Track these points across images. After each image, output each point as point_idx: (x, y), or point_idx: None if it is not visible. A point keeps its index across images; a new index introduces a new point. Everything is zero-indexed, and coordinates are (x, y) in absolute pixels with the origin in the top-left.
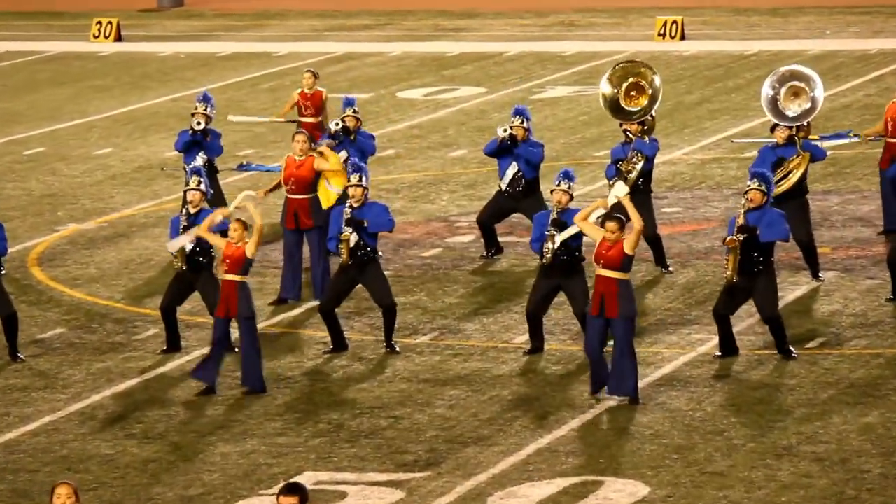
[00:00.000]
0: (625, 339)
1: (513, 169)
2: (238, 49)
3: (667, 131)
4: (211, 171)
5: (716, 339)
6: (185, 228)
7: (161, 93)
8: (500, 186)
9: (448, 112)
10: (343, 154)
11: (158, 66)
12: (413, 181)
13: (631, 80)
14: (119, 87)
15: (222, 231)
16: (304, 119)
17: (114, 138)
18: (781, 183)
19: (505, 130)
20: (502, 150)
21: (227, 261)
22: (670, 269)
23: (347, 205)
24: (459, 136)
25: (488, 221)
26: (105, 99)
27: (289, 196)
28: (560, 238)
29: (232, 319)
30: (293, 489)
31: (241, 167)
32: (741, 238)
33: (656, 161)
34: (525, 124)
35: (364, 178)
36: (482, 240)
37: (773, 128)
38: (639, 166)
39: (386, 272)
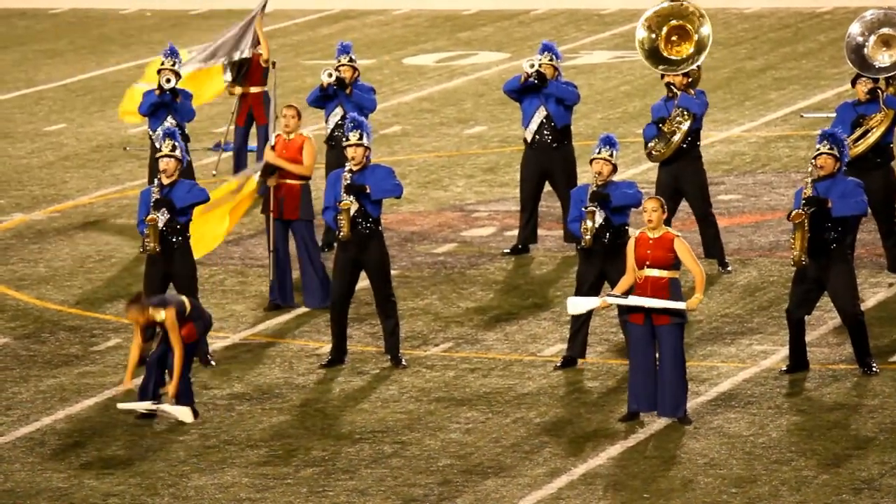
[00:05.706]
0: (677, 348)
1: (541, 113)
2: (215, 6)
3: (724, 104)
4: (183, 139)
5: (782, 352)
6: (157, 203)
7: (123, 58)
8: (524, 139)
9: (464, 81)
10: (338, 111)
11: (120, 26)
12: (423, 163)
13: (673, 22)
14: (73, 52)
15: None
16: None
17: (67, 112)
18: (858, 143)
19: (532, 66)
20: (527, 90)
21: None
22: (729, 267)
23: (346, 168)
24: (477, 111)
25: (532, 203)
26: (57, 65)
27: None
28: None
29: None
30: None
31: (218, 147)
32: (809, 212)
33: (711, 140)
34: (555, 62)
35: (365, 136)
36: (517, 229)
37: (855, 81)
38: (684, 126)
39: (391, 272)
